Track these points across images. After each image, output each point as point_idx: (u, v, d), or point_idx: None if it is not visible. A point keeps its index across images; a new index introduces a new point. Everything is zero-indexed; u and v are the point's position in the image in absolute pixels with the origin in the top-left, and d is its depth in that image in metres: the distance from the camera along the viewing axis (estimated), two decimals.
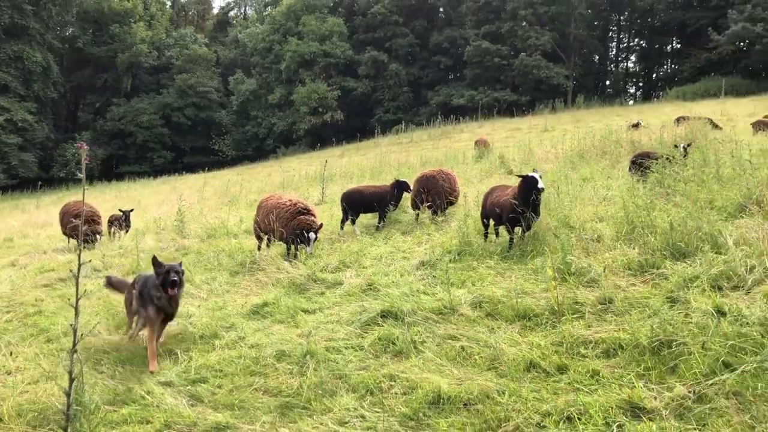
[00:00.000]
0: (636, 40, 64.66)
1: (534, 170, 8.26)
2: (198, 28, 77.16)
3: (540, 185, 7.82)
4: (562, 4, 53.12)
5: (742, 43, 46.66)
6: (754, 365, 4.27)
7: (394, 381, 5.01)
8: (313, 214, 10.04)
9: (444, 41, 58.21)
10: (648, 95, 58.19)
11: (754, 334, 4.70)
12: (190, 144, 62.44)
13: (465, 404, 4.49)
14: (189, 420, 4.76)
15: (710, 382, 4.16)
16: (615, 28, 64.75)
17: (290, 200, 10.37)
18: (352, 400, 4.81)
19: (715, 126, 19.26)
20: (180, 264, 6.32)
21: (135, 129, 59.24)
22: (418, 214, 11.85)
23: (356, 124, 56.60)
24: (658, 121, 23.99)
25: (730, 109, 29.11)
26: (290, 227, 9.75)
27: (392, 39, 58.72)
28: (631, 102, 56.04)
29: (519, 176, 8.37)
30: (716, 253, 6.46)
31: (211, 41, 72.66)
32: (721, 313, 5.16)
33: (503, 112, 47.92)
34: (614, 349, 4.95)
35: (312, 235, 9.63)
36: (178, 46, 65.64)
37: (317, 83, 55.82)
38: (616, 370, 4.62)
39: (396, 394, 4.82)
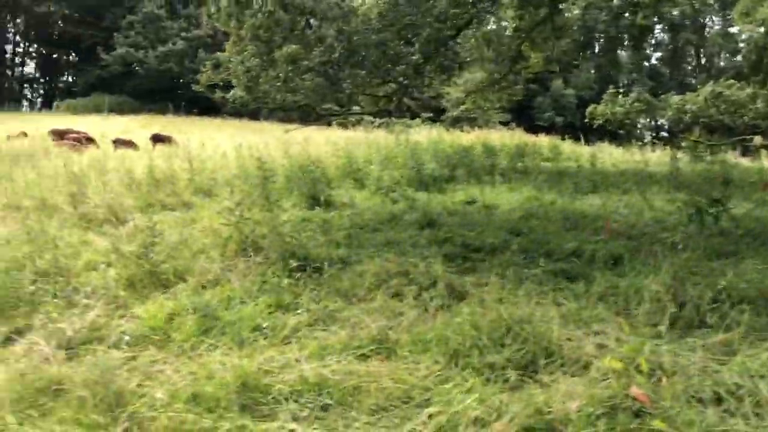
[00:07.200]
0: (36, 46, 63.89)
1: None
2: None
3: None
4: None
5: (135, 65, 52.09)
6: None
7: None
8: None
9: None
10: (49, 104, 58.61)
11: None
12: None
13: None
14: None
15: None
16: (13, 30, 62.45)
17: None
18: None
19: (93, 142, 21.09)
20: None
21: None
22: None
23: None
24: (38, 132, 24.18)
25: (111, 125, 32.33)
26: None
27: None
28: (28, 110, 55.40)
29: None
30: None
31: None
32: None
33: None
34: None
35: None
36: None
37: None
38: None
39: None
